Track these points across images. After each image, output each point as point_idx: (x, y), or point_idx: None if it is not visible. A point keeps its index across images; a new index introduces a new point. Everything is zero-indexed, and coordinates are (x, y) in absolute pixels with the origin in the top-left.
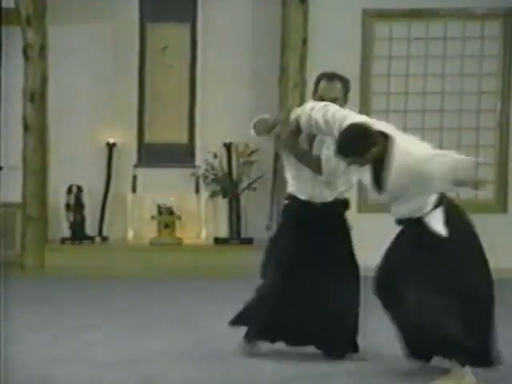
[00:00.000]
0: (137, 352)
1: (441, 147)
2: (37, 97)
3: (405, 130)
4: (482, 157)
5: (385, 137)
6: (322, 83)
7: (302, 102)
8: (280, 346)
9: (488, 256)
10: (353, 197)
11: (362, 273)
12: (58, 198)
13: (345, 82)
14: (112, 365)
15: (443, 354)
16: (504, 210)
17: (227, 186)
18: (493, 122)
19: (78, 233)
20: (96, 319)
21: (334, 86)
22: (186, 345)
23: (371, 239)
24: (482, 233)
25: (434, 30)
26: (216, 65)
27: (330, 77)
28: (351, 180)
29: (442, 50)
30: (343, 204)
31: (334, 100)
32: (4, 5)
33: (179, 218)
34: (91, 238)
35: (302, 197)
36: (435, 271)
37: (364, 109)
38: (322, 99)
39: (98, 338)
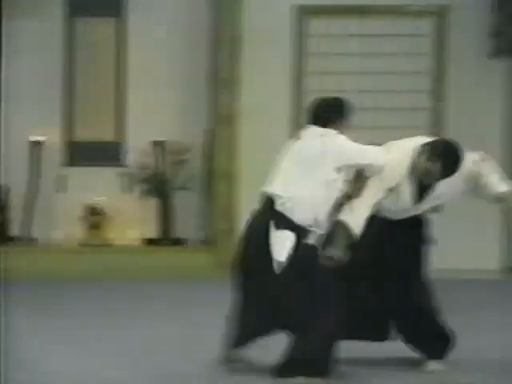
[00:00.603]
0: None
1: (373, 144)
2: None
3: None
4: None
5: None
6: None
7: (233, 99)
8: None
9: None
10: None
11: None
12: None
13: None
14: None
15: None
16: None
17: (158, 186)
18: (426, 120)
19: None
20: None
21: None
22: (114, 347)
23: None
24: None
25: (368, 26)
26: (145, 61)
27: None
28: None
29: (376, 47)
30: None
31: None
32: None
33: (109, 218)
34: (16, 239)
35: None
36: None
37: (296, 107)
38: None
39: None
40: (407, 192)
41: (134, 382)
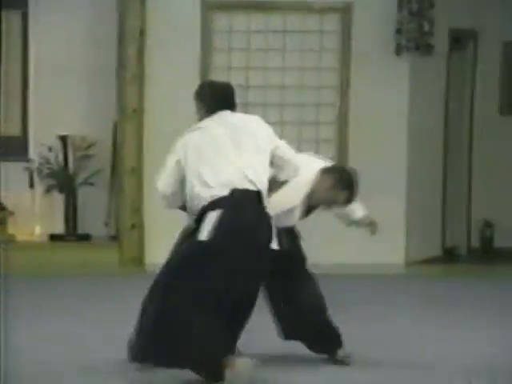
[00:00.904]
0: None
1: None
2: None
3: None
4: (322, 151)
5: None
6: None
7: (140, 94)
8: None
9: (328, 250)
10: None
11: None
12: None
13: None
14: None
15: None
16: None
17: (63, 181)
18: (332, 116)
19: None
20: None
21: None
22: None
23: None
24: (322, 227)
25: (273, 22)
26: (50, 54)
27: None
28: None
29: (281, 43)
30: None
31: None
32: None
33: (12, 213)
34: None
35: None
36: None
37: None
38: None
39: None
40: (298, 212)
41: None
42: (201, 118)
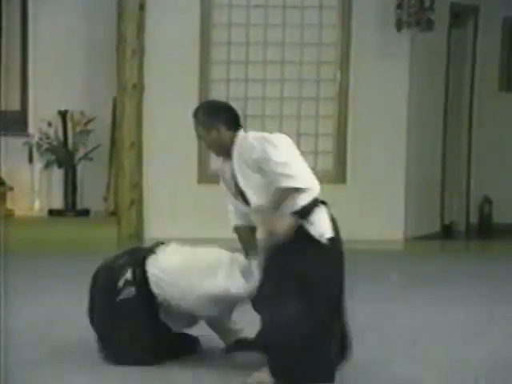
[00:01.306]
0: None
1: (281, 117)
2: None
3: (246, 101)
4: (322, 127)
5: None
6: None
7: (140, 69)
8: None
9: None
10: (193, 167)
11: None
12: None
13: (200, 116)
14: None
15: None
16: (343, 180)
17: (62, 156)
18: (332, 92)
19: None
20: None
21: (195, 124)
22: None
23: (212, 210)
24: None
25: None
26: (49, 29)
27: (193, 115)
28: None
29: (281, 18)
30: None
31: (200, 138)
32: None
33: (11, 189)
34: None
35: None
36: None
37: (204, 78)
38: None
39: None
40: None
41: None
42: (220, 138)
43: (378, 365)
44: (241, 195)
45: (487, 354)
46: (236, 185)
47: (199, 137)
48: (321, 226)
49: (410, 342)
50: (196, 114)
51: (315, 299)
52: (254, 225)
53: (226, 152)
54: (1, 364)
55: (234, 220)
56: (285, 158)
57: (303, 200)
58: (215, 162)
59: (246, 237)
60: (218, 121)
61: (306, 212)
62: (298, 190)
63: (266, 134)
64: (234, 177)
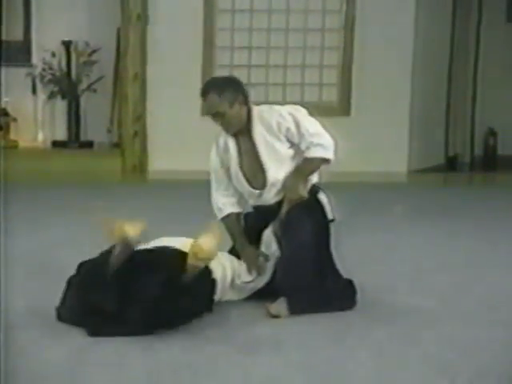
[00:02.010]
0: None
1: (286, 49)
2: None
3: (251, 32)
4: (326, 59)
5: None
6: (203, 101)
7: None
8: None
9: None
10: (196, 99)
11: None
12: None
13: (222, 91)
14: None
15: None
16: (347, 113)
17: (66, 87)
18: (338, 23)
19: None
20: None
21: (209, 101)
22: (19, 255)
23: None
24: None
25: None
26: None
27: (204, 92)
28: None
29: None
30: None
31: (218, 115)
32: None
33: (14, 119)
34: None
35: None
36: None
37: (209, 7)
38: (210, 117)
39: None
40: None
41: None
42: (241, 112)
43: (381, 293)
44: (244, 176)
45: (490, 284)
46: (246, 163)
47: (216, 113)
48: (327, 204)
49: (412, 271)
50: (213, 89)
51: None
52: (243, 211)
53: (242, 128)
54: (1, 294)
55: (226, 209)
56: (318, 128)
57: (315, 177)
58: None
59: (235, 225)
60: (239, 94)
61: (317, 189)
62: (328, 161)
63: (283, 108)
64: (249, 152)
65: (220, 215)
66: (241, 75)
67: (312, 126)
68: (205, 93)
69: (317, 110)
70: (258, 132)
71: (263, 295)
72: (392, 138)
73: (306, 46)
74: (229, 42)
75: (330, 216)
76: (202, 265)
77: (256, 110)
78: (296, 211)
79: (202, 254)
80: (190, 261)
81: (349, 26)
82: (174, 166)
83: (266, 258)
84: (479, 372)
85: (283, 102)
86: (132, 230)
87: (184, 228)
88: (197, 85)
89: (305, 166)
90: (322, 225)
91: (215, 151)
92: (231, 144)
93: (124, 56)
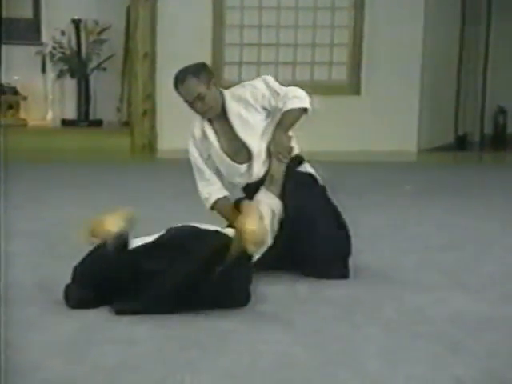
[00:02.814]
0: None
1: (296, 28)
2: None
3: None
4: (337, 37)
5: None
6: (180, 88)
7: None
8: None
9: (341, 138)
10: None
11: None
12: None
13: (197, 73)
14: None
15: None
16: (357, 92)
17: (76, 66)
18: (347, 1)
19: None
20: None
21: (188, 85)
22: (27, 230)
23: None
24: (336, 115)
25: None
26: None
27: (182, 79)
28: None
29: None
30: None
31: (199, 98)
32: None
33: (24, 98)
34: None
35: None
36: None
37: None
38: (189, 103)
39: None
40: None
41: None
42: (217, 93)
43: (391, 270)
44: (229, 157)
45: (500, 262)
46: (226, 144)
47: (198, 96)
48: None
49: (422, 248)
50: (190, 74)
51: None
52: (231, 197)
53: (218, 110)
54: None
55: (213, 197)
56: (289, 87)
57: (296, 149)
58: (230, 75)
59: (226, 206)
60: (212, 76)
61: (301, 159)
62: (306, 111)
63: (253, 82)
64: (227, 134)
65: (208, 204)
66: (251, 54)
67: (283, 87)
68: (182, 80)
69: (326, 88)
70: (233, 112)
71: (270, 272)
72: (402, 116)
73: (316, 24)
74: (239, 20)
75: (321, 182)
76: (254, 249)
77: (227, 92)
78: (291, 185)
79: (255, 239)
80: (237, 248)
81: (359, 4)
82: (183, 144)
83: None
84: (490, 349)
85: (293, 81)
86: (114, 224)
87: (193, 207)
88: (206, 63)
89: (285, 118)
90: (319, 191)
91: (192, 143)
92: (208, 130)
93: (133, 34)
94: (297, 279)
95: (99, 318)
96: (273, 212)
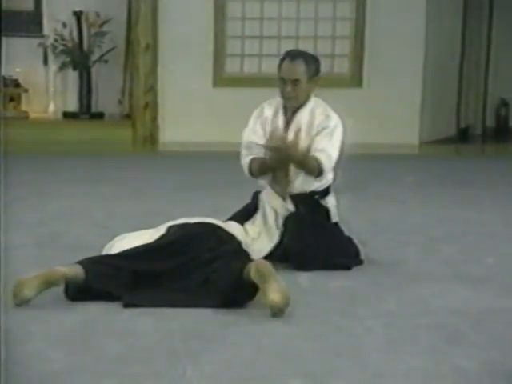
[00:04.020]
0: None
1: (298, 20)
2: None
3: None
4: (339, 29)
5: None
6: (285, 63)
7: None
8: None
9: (343, 130)
10: (208, 70)
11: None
12: None
13: (309, 63)
14: None
15: None
16: (359, 84)
17: (77, 58)
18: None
19: None
20: None
21: (295, 66)
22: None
23: (227, 114)
24: (338, 107)
25: None
26: None
27: (293, 56)
28: None
29: None
30: None
31: (295, 82)
32: None
33: (26, 90)
34: None
35: None
36: None
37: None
38: (282, 80)
39: None
40: None
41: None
42: (311, 91)
43: (392, 262)
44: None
45: (501, 254)
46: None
47: (295, 80)
48: (334, 205)
49: (424, 240)
50: (303, 58)
51: None
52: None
53: (300, 104)
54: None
55: (248, 159)
56: (336, 148)
57: (328, 181)
58: (232, 67)
59: (261, 159)
60: (319, 75)
61: (326, 192)
62: (320, 176)
63: (335, 116)
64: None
65: (247, 170)
66: (253, 46)
67: (336, 143)
68: (293, 58)
69: (328, 81)
70: (303, 116)
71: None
72: (404, 109)
73: (317, 16)
74: (240, 12)
75: (334, 219)
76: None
77: (316, 100)
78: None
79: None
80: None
81: None
82: (184, 137)
83: None
84: (491, 340)
85: None
86: (31, 288)
87: (194, 199)
88: (208, 56)
89: (308, 158)
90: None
91: (257, 115)
92: (280, 116)
93: (135, 27)
94: (298, 272)
95: (101, 310)
96: (275, 211)
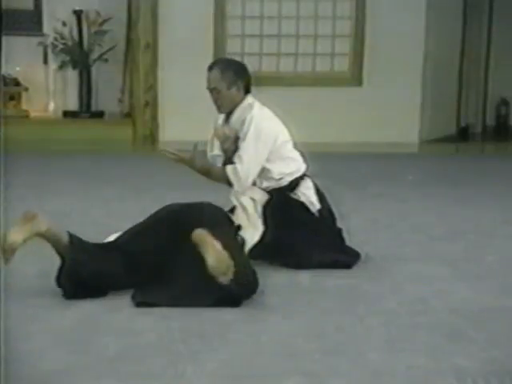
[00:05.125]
0: None
1: (297, 18)
2: None
3: None
4: (339, 29)
5: None
6: (207, 73)
7: None
8: None
9: (343, 129)
10: None
11: None
12: None
13: (225, 70)
14: None
15: None
16: (359, 83)
17: (77, 57)
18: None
19: None
20: None
21: (211, 75)
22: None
23: None
24: (338, 106)
25: None
26: None
27: (210, 66)
28: None
29: None
30: None
31: (215, 91)
32: None
33: (26, 89)
34: None
35: None
36: None
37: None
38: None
39: None
40: None
41: None
42: (236, 98)
43: (393, 261)
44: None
45: (501, 252)
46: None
47: (213, 88)
48: (309, 196)
49: (424, 239)
50: (218, 66)
51: None
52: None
53: (230, 110)
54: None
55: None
56: (251, 158)
57: (292, 176)
58: None
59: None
60: (242, 82)
61: (294, 185)
62: (230, 185)
63: (260, 123)
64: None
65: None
66: (253, 45)
67: (250, 152)
68: (210, 67)
69: (328, 80)
70: (233, 122)
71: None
72: (404, 108)
73: (317, 15)
74: (240, 11)
75: (312, 209)
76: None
77: (247, 104)
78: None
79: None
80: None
81: None
82: (184, 136)
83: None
84: (491, 339)
85: (294, 72)
86: (17, 236)
87: (194, 198)
88: (208, 55)
89: (216, 169)
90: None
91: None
92: (220, 120)
93: (135, 25)
94: (298, 270)
95: (100, 308)
96: (252, 199)
